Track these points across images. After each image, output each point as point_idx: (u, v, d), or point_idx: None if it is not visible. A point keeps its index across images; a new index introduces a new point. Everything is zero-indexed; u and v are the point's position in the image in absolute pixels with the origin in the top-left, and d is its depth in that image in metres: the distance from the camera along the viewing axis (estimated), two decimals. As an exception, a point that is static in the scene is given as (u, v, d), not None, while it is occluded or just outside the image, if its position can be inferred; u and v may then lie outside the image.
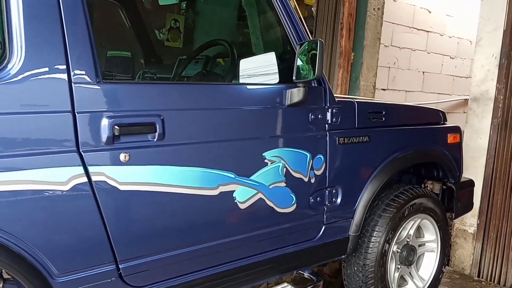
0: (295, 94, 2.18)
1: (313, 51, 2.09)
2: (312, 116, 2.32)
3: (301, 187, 2.31)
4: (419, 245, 3.10)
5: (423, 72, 6.34)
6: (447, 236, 3.24)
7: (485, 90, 3.78)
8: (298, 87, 2.18)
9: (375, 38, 5.16)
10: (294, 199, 2.29)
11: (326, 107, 2.39)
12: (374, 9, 5.08)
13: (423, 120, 3.10)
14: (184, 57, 2.72)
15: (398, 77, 5.91)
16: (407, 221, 2.90)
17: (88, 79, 1.63)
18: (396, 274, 2.94)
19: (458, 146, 3.28)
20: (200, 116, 1.94)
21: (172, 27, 2.61)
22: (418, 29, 6.06)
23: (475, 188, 3.51)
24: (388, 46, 5.62)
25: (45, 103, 1.55)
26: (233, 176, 2.03)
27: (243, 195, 2.08)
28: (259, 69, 2.24)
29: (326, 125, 2.40)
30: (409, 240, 2.98)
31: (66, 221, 1.62)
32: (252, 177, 2.10)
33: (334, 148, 2.43)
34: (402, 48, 5.89)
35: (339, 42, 4.98)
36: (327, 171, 2.42)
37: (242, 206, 2.09)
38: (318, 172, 2.38)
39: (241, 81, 2.27)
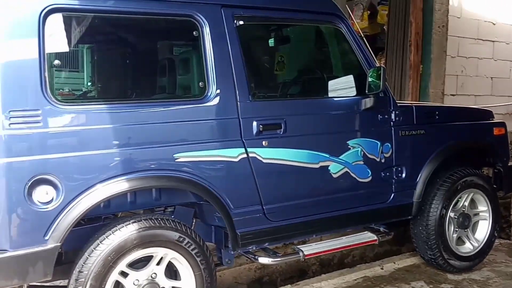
0: (368, 102, 3.33)
1: (379, 73, 3.21)
2: (380, 116, 3.43)
3: (374, 165, 3.41)
4: (474, 214, 4.05)
5: (491, 77, 7.07)
6: (497, 208, 4.13)
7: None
8: (370, 97, 3.31)
9: (441, 51, 6.11)
10: (370, 173, 3.39)
11: (391, 110, 3.48)
12: (439, 26, 6.04)
13: (471, 117, 4.08)
14: (287, 80, 3.96)
15: (466, 84, 6.75)
16: (461, 193, 3.88)
17: (245, 99, 2.89)
18: (454, 235, 3.92)
19: (503, 137, 4.19)
20: (307, 119, 3.16)
21: (279, 61, 3.85)
22: (483, 40, 6.85)
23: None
24: (454, 57, 6.51)
25: (227, 113, 2.84)
26: (328, 156, 3.19)
27: (335, 169, 3.23)
28: (342, 87, 3.39)
29: (392, 122, 3.48)
30: (464, 209, 3.95)
31: (236, 178, 2.88)
32: (340, 157, 3.24)
33: (398, 138, 3.51)
34: (468, 57, 6.72)
35: (409, 56, 5.99)
36: (394, 154, 3.49)
37: (334, 176, 3.24)
38: (387, 155, 3.47)
39: (330, 95, 3.42)
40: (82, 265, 2.53)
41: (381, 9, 7.06)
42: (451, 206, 3.83)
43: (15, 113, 2.35)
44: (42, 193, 2.41)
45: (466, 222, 3.96)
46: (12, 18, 2.37)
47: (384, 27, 6.86)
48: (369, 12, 7.22)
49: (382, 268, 4.05)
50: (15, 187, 2.36)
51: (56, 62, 2.54)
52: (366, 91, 3.27)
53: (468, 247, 3.99)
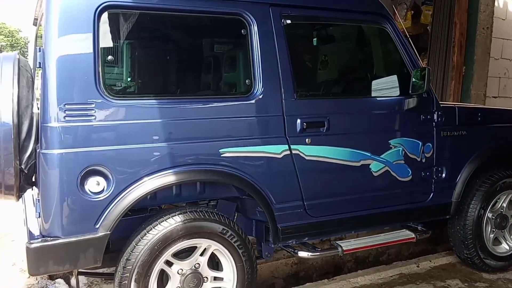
0: (411, 102, 3.34)
1: (423, 73, 3.23)
2: (423, 117, 3.44)
3: (415, 165, 3.43)
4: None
5: (535, 80, 6.93)
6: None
7: None
8: (413, 97, 3.33)
9: (485, 53, 6.03)
10: (410, 172, 3.41)
11: (433, 110, 3.49)
12: (483, 28, 5.96)
13: None
14: (331, 79, 4.01)
15: (509, 86, 6.65)
16: (499, 195, 3.88)
17: (290, 97, 2.95)
18: (491, 235, 3.92)
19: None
20: (350, 117, 3.20)
21: (323, 60, 3.90)
22: (528, 42, 6.72)
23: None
24: (498, 59, 6.42)
25: (272, 111, 2.90)
26: (369, 154, 3.23)
27: (376, 167, 3.27)
28: (385, 86, 3.42)
29: (434, 123, 3.49)
30: (502, 210, 3.95)
31: (279, 174, 2.94)
32: (381, 156, 3.28)
33: (439, 139, 3.52)
34: (512, 60, 6.62)
35: (452, 57, 5.94)
36: (435, 154, 3.50)
37: (375, 174, 3.27)
38: (428, 155, 3.48)
39: (373, 94, 3.45)
40: (130, 253, 2.65)
41: (425, 9, 7.00)
42: (489, 207, 3.85)
43: (70, 106, 2.47)
44: (94, 184, 2.54)
45: (504, 223, 3.96)
46: (69, 15, 2.49)
47: (428, 27, 6.81)
48: (412, 12, 7.17)
49: (418, 266, 4.07)
50: (69, 177, 2.49)
51: (109, 57, 2.66)
52: (410, 92, 3.29)
53: (504, 248, 3.99)
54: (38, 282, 3.73)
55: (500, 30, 6.31)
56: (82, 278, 3.71)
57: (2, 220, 5.21)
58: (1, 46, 72.62)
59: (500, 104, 6.52)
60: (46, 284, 3.71)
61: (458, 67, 5.95)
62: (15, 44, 76.75)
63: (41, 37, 3.45)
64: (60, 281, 3.77)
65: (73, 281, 3.77)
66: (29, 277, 3.81)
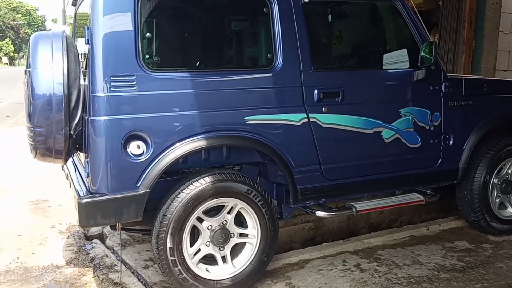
0: (420, 74, 3.60)
1: (431, 47, 3.47)
2: (431, 88, 3.70)
3: (424, 132, 3.69)
4: (517, 181, 4.27)
5: (546, 53, 7.07)
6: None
7: None
8: (422, 69, 3.58)
9: (494, 27, 6.21)
10: (420, 139, 3.68)
11: (441, 81, 3.74)
12: (492, 3, 6.15)
13: None
14: (345, 53, 4.26)
15: (518, 60, 6.82)
16: (504, 161, 4.14)
17: (308, 70, 3.23)
18: (497, 200, 4.19)
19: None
20: (363, 88, 3.48)
21: (338, 35, 4.15)
22: (537, 17, 6.85)
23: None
24: (507, 33, 6.59)
25: (291, 82, 3.19)
26: (381, 122, 3.50)
27: (387, 134, 3.54)
28: (396, 59, 3.67)
29: (441, 93, 3.75)
30: (507, 176, 4.21)
31: (298, 140, 3.24)
32: (392, 124, 3.55)
33: (447, 108, 3.78)
34: (521, 34, 6.77)
35: (462, 32, 6.14)
36: (442, 123, 3.77)
37: (386, 141, 3.55)
38: (436, 123, 3.74)
39: (385, 67, 3.70)
40: (166, 210, 2.98)
41: (437, -15, 7.17)
42: (495, 172, 4.11)
43: (115, 78, 2.77)
44: (135, 147, 2.85)
45: (509, 188, 4.22)
46: (113, -3, 2.79)
47: (440, 2, 6.99)
48: (424, -13, 7.35)
49: (428, 229, 4.36)
50: (113, 141, 2.80)
51: (148, 34, 2.95)
52: (419, 64, 3.55)
53: (510, 212, 4.26)
54: (76, 242, 4.08)
55: (509, 4, 6.46)
56: (116, 239, 4.07)
57: (38, 188, 5.59)
58: (19, 24, 73.30)
59: (510, 77, 6.68)
60: (84, 244, 4.06)
61: (468, 42, 6.15)
62: (32, 23, 77.40)
63: (79, 16, 3.76)
64: (96, 241, 4.11)
65: (108, 241, 4.14)
66: (68, 238, 4.18)
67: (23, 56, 73.94)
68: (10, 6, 73.76)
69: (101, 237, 4.22)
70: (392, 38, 3.96)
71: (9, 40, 69.47)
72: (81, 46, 3.10)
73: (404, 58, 3.61)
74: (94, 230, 4.29)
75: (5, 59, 64.74)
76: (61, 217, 4.63)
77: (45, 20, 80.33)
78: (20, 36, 74.56)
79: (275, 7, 3.16)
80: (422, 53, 3.52)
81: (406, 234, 4.24)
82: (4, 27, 70.77)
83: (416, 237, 4.18)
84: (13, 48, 69.67)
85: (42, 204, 5.07)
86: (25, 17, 75.94)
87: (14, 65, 66.39)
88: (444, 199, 4.28)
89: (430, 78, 3.66)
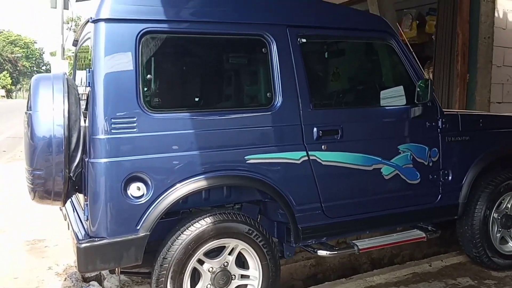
0: (417, 111, 3.64)
1: (427, 84, 3.52)
2: (428, 124, 3.73)
3: (423, 168, 3.71)
4: (517, 215, 4.26)
5: (536, 86, 7.15)
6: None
7: None
8: (418, 106, 3.62)
9: (487, 61, 6.30)
10: (419, 175, 3.69)
11: (438, 118, 3.77)
12: (484, 37, 6.24)
13: None
14: (343, 90, 4.30)
15: (512, 92, 6.90)
16: (504, 195, 4.14)
17: (307, 108, 3.25)
18: (498, 235, 4.17)
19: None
20: (361, 125, 3.50)
21: (335, 72, 4.19)
22: (528, 50, 6.95)
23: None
24: (500, 66, 6.67)
25: (291, 121, 3.21)
26: (380, 159, 3.51)
27: (387, 171, 3.55)
28: (393, 96, 3.70)
29: (439, 129, 3.77)
30: (507, 210, 4.20)
31: (298, 178, 3.24)
32: (391, 160, 3.56)
33: (444, 144, 3.80)
34: (513, 67, 6.86)
35: (456, 66, 6.22)
36: (441, 158, 3.78)
37: (386, 178, 3.55)
38: (434, 159, 3.76)
39: (382, 104, 3.72)
40: (166, 252, 2.94)
41: (430, 19, 7.32)
42: (495, 207, 4.10)
43: (115, 119, 2.78)
44: (135, 189, 2.84)
45: (509, 222, 4.20)
46: (114, 40, 2.82)
47: (432, 36, 7.11)
48: (417, 22, 7.49)
49: (430, 265, 4.31)
50: (114, 183, 2.79)
51: (148, 76, 2.97)
52: (415, 101, 3.58)
53: (511, 246, 4.23)
54: (74, 284, 4.01)
55: (501, 39, 6.56)
56: (114, 280, 4.00)
57: (35, 226, 5.53)
58: (17, 57, 73.83)
59: (504, 109, 6.74)
60: (82, 286, 3.99)
61: (462, 75, 6.22)
62: (30, 55, 78.04)
63: (80, 56, 3.79)
64: (94, 283, 4.04)
65: (106, 283, 4.07)
66: (65, 280, 4.11)
67: (20, 88, 74.33)
68: (8, 39, 74.52)
69: (99, 279, 4.15)
70: (388, 75, 4.02)
71: (7, 73, 69.84)
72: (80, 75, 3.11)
73: (400, 95, 3.65)
74: (92, 272, 4.22)
75: (2, 92, 64.92)
76: (58, 258, 4.56)
77: (43, 53, 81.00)
78: (18, 69, 75.11)
79: (274, 47, 3.20)
80: (418, 90, 3.56)
81: (408, 271, 4.19)
82: (2, 60, 71.32)
83: (419, 274, 4.13)
84: (10, 81, 70.02)
85: (39, 244, 5.00)
86: (23, 50, 76.58)
87: (11, 98, 66.68)
88: (445, 233, 4.26)
89: (427, 115, 3.70)
